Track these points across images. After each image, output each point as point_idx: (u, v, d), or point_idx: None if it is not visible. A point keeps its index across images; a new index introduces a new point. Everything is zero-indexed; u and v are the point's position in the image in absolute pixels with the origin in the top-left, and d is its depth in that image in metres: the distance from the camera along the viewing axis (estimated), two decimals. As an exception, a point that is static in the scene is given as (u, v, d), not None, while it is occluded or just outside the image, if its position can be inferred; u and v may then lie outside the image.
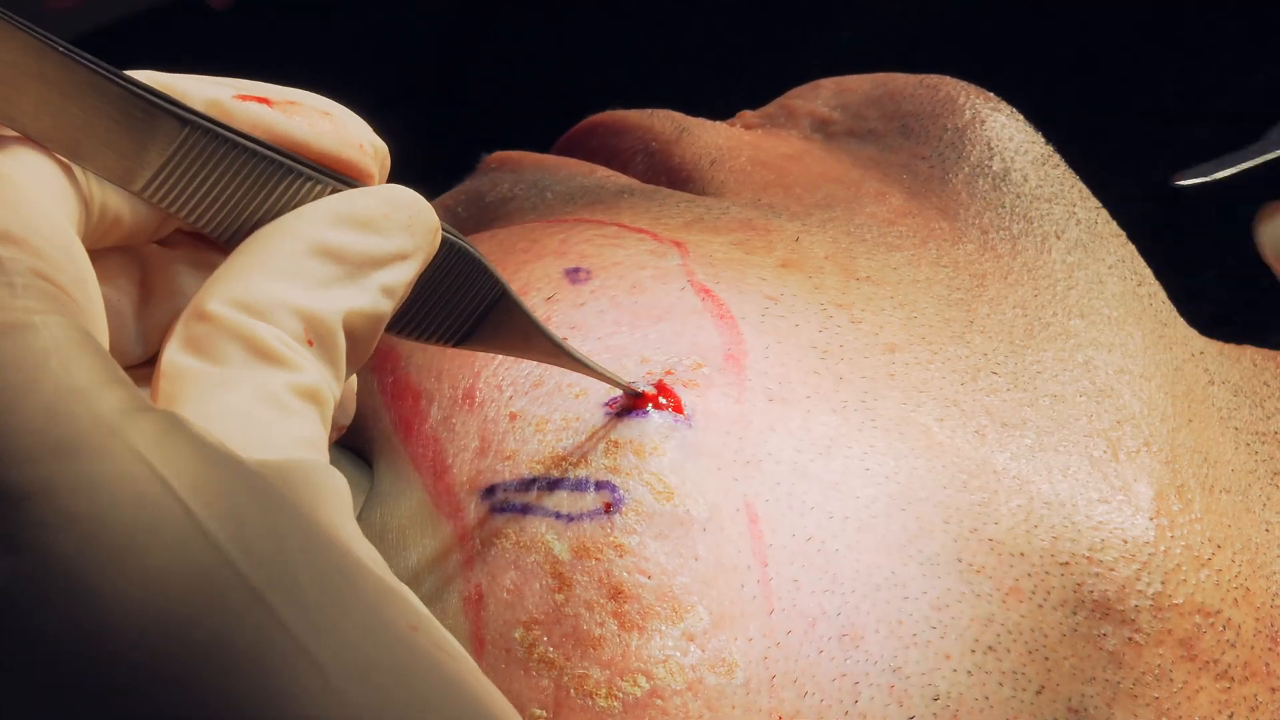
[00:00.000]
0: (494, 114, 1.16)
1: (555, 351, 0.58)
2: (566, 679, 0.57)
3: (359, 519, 0.63)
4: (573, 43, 1.24)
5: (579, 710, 0.57)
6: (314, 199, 0.49)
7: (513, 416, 0.62)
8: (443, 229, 0.53)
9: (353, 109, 0.53)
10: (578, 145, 0.87)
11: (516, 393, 0.63)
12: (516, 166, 0.83)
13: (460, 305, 0.54)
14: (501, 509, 0.60)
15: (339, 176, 0.50)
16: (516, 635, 0.58)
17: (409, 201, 0.50)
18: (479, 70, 1.23)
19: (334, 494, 0.44)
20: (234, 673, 0.39)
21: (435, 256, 0.51)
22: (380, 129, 0.53)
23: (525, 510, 0.60)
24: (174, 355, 0.46)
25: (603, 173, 0.82)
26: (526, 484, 0.61)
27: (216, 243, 0.50)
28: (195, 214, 0.48)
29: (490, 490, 0.61)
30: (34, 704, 0.39)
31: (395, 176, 0.54)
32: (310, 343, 0.47)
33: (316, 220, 0.48)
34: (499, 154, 0.85)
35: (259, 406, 0.45)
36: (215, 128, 0.48)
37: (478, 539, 0.60)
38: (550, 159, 0.84)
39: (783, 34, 1.23)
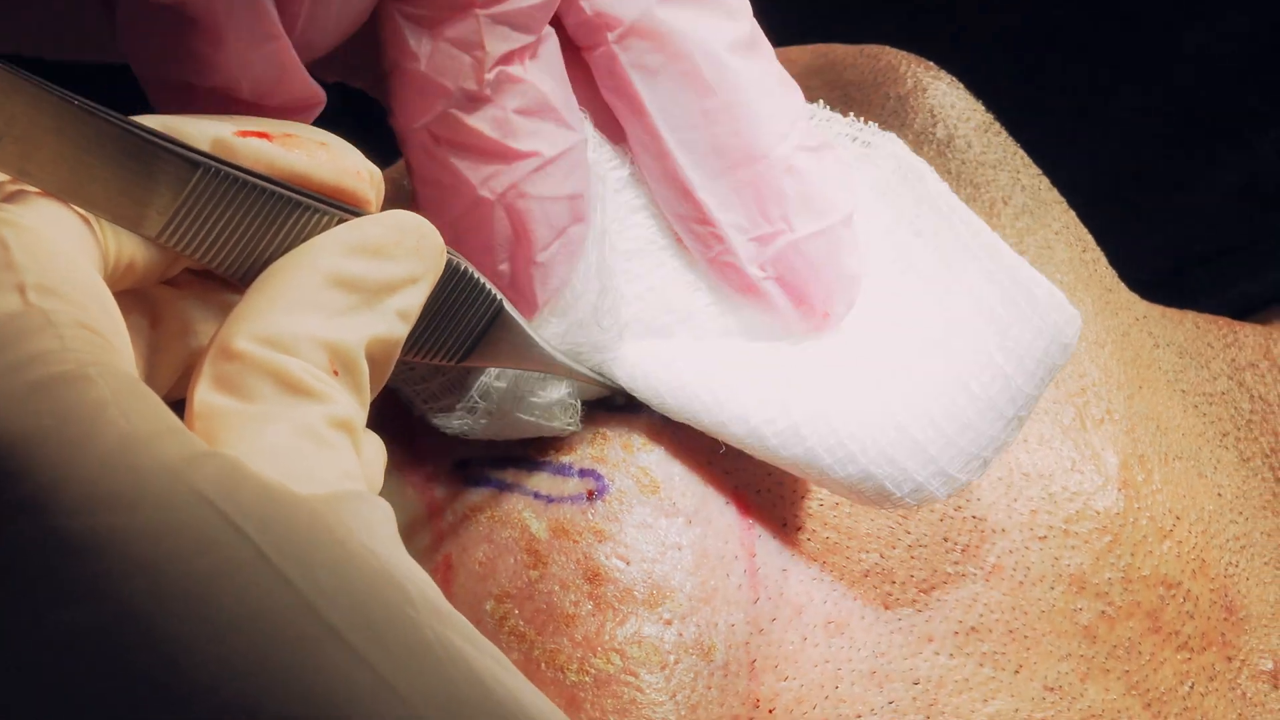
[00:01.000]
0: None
1: (550, 362, 0.58)
2: (537, 652, 0.57)
3: None
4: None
5: (549, 683, 0.57)
6: (322, 230, 0.49)
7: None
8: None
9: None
10: None
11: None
12: None
13: (462, 323, 0.54)
14: (475, 482, 0.60)
15: (342, 206, 0.50)
16: (487, 607, 0.58)
17: (415, 226, 0.50)
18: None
19: (383, 522, 0.44)
20: (322, 711, 0.39)
21: (440, 277, 0.52)
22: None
23: (501, 487, 0.59)
24: (206, 395, 0.46)
25: None
26: (503, 461, 0.60)
27: (226, 280, 0.50)
28: (209, 255, 0.48)
29: (464, 463, 0.60)
30: None
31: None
32: (336, 373, 0.47)
33: (329, 251, 0.48)
34: None
35: (299, 441, 0.45)
36: (225, 168, 0.48)
37: (448, 510, 0.60)
38: None
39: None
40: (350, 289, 0.48)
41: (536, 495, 0.59)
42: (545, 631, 0.57)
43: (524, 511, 0.59)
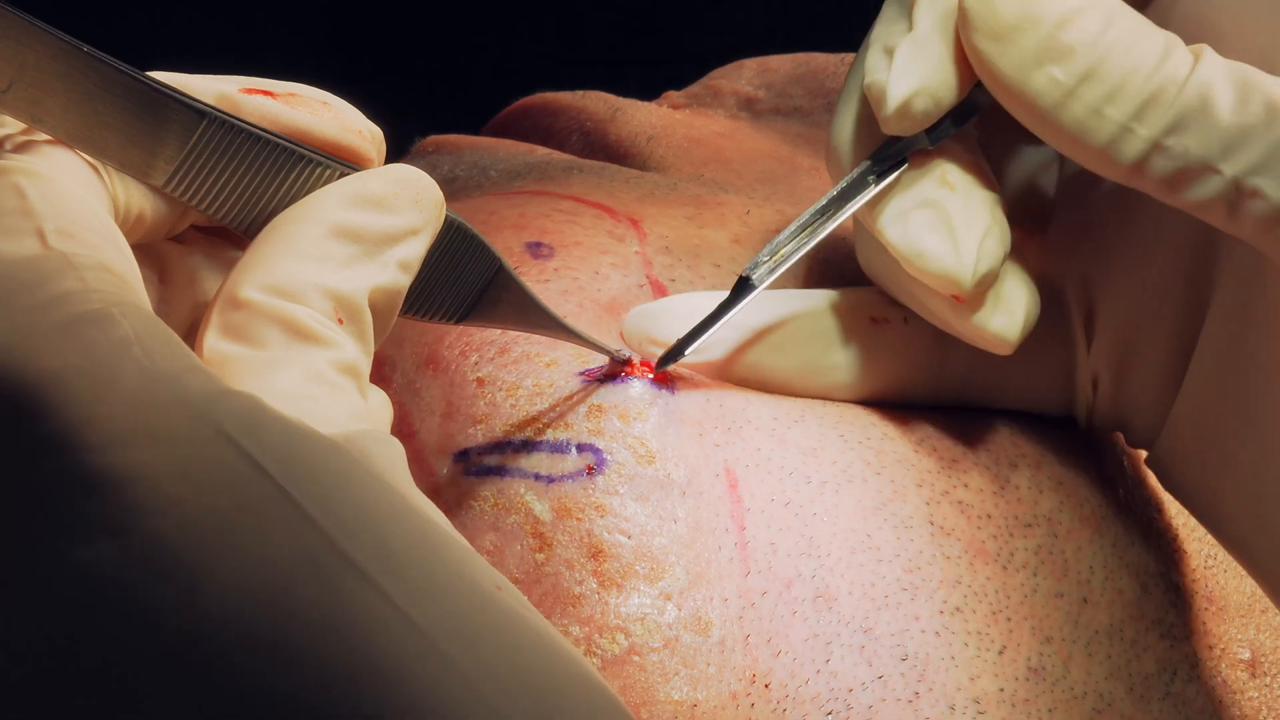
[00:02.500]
0: (414, 101, 1.17)
1: (549, 323, 0.59)
2: None
3: None
4: (471, 31, 1.25)
5: None
6: (324, 184, 0.51)
7: (480, 382, 0.63)
8: None
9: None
10: (511, 127, 0.87)
11: (482, 359, 0.63)
12: (454, 149, 0.83)
13: (462, 281, 0.56)
14: (476, 472, 0.61)
15: (344, 162, 0.52)
16: None
17: (415, 179, 0.52)
18: (397, 58, 1.24)
19: (397, 461, 0.46)
20: (342, 642, 0.40)
21: (439, 233, 0.53)
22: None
23: (502, 472, 0.61)
24: (216, 343, 0.47)
25: (543, 151, 0.82)
26: (500, 446, 0.61)
27: (231, 236, 0.52)
28: (215, 205, 0.50)
29: (463, 453, 0.62)
30: (143, 679, 0.40)
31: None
32: (341, 321, 0.48)
33: (333, 203, 0.50)
34: (434, 137, 0.85)
35: (310, 385, 0.46)
36: (230, 119, 0.49)
37: (451, 501, 0.61)
38: (487, 140, 0.84)
39: (687, 14, 1.24)
40: (353, 240, 0.49)
41: (537, 477, 0.61)
42: (553, 614, 0.59)
43: (526, 494, 0.60)
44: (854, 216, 0.62)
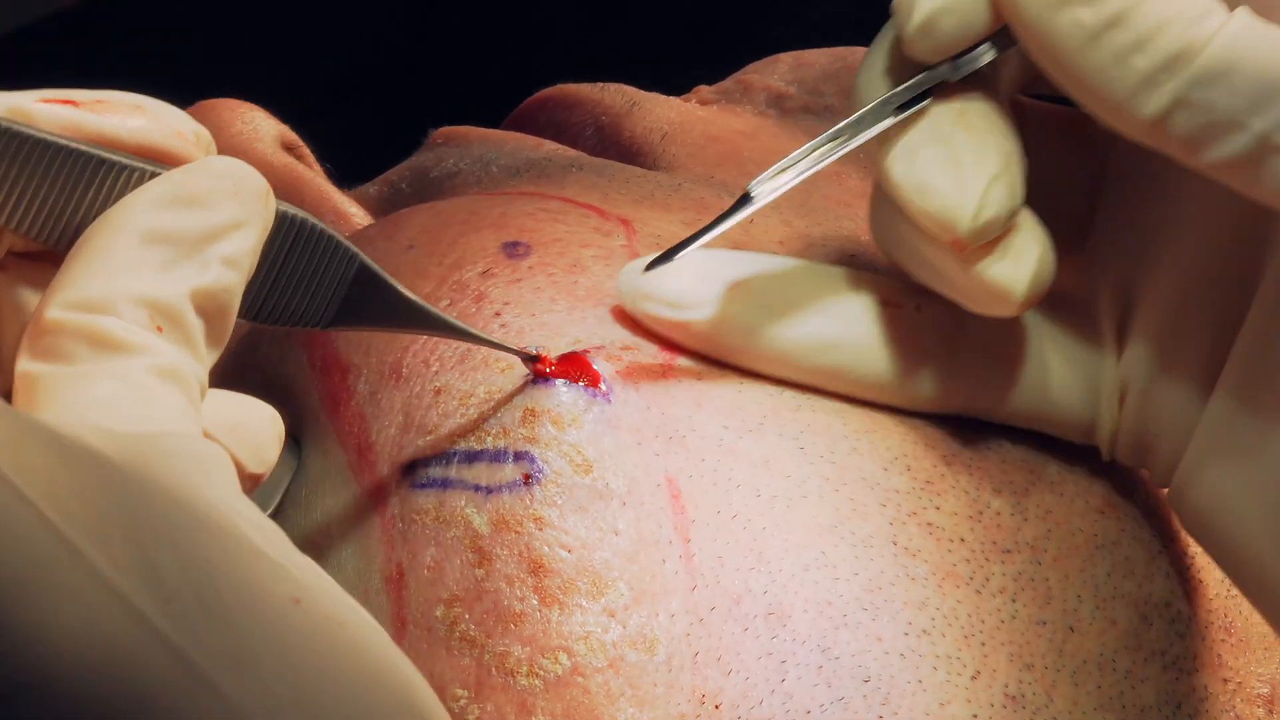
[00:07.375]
0: (445, 90, 1.18)
1: (428, 318, 0.59)
2: (488, 657, 0.59)
3: (285, 495, 0.64)
4: (526, 18, 1.26)
5: (500, 689, 0.59)
6: (134, 188, 0.51)
7: (437, 392, 0.64)
8: (279, 204, 0.54)
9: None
10: (528, 120, 0.88)
11: (442, 368, 0.64)
12: (463, 141, 0.84)
13: (317, 282, 0.55)
14: (423, 485, 0.62)
15: (159, 165, 0.51)
16: (438, 613, 0.60)
17: (231, 170, 0.51)
18: (428, 46, 1.25)
19: (211, 463, 0.46)
20: (103, 675, 0.40)
21: (272, 230, 0.53)
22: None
23: (445, 485, 0.62)
24: (24, 366, 0.48)
25: (550, 146, 0.83)
26: (447, 458, 0.62)
27: (51, 257, 0.51)
28: (14, 219, 0.50)
29: (411, 467, 0.63)
30: None
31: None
32: (160, 330, 0.49)
33: (141, 207, 0.50)
34: (445, 129, 0.86)
35: (121, 390, 0.47)
36: (16, 126, 0.49)
37: (399, 517, 0.62)
38: (497, 134, 0.85)
39: (753, 8, 1.25)
40: (167, 242, 0.50)
41: (476, 488, 0.61)
42: (494, 634, 0.59)
43: (466, 507, 0.61)
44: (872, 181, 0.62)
